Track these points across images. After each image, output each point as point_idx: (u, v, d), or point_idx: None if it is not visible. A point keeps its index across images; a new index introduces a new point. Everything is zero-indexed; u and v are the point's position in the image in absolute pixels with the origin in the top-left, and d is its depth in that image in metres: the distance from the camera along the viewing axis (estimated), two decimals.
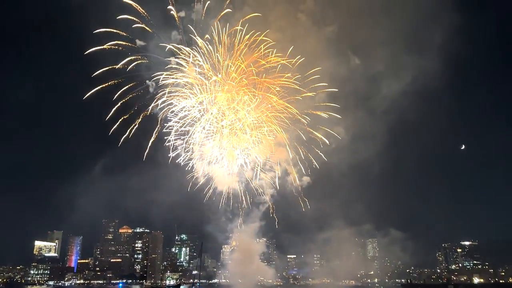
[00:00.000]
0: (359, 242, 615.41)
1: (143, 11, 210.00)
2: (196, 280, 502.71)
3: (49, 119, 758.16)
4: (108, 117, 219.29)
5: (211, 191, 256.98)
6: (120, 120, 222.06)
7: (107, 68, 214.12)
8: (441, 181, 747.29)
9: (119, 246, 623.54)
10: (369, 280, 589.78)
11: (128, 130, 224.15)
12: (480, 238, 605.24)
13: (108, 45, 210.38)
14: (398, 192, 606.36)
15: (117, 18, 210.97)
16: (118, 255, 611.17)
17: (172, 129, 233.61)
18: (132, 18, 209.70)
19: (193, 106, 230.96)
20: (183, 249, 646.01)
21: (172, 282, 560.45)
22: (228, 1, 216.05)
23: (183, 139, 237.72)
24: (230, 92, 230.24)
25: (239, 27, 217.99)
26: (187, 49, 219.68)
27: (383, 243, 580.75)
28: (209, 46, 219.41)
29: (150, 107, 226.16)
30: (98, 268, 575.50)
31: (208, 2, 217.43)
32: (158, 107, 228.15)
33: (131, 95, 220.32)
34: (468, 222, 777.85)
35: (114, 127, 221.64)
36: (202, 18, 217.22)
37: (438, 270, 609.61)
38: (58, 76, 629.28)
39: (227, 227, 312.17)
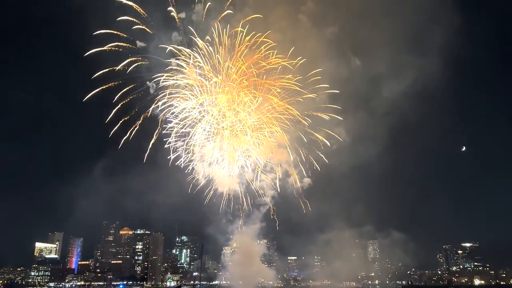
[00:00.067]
0: (360, 243, 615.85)
1: (144, 12, 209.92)
2: (196, 282, 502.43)
3: (49, 120, 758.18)
4: (108, 119, 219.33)
5: (211, 192, 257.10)
6: (121, 121, 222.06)
7: (108, 69, 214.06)
8: (442, 183, 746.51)
9: (119, 248, 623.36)
10: (369, 282, 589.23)
11: (129, 132, 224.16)
12: (481, 239, 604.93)
13: (108, 47, 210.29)
14: (399, 193, 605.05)
15: (117, 19, 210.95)
16: (119, 256, 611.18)
17: (172, 130, 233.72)
18: (132, 19, 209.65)
19: (194, 108, 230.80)
20: (184, 250, 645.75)
21: (173, 284, 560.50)
22: (228, 2, 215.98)
23: (184, 141, 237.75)
24: (231, 94, 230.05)
25: (239, 29, 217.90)
26: (188, 50, 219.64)
27: (383, 244, 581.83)
28: (210, 47, 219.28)
29: (151, 109, 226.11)
30: (98, 270, 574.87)
31: (209, 3, 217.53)
32: (159, 109, 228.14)
33: (131, 97, 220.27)
34: (469, 223, 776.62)
35: (115, 129, 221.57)
36: (203, 19, 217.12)
37: (439, 272, 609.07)
38: (59, 77, 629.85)
39: (228, 228, 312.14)
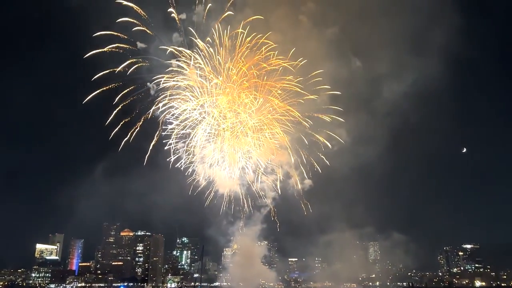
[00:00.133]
0: (361, 245, 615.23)
1: (144, 13, 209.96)
2: (197, 283, 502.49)
3: (50, 121, 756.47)
4: (109, 120, 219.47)
5: (212, 194, 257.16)
6: (121, 123, 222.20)
7: (108, 71, 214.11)
8: (442, 184, 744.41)
9: (120, 249, 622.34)
10: (370, 283, 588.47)
11: (129, 133, 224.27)
12: (482, 241, 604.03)
13: (108, 48, 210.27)
14: (400, 194, 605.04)
15: (118, 21, 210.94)
16: (120, 258, 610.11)
17: (172, 132, 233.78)
18: (132, 20, 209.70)
19: (194, 109, 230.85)
20: (185, 252, 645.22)
21: (174, 285, 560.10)
22: (229, 4, 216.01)
23: (184, 142, 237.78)
24: (231, 95, 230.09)
25: (240, 30, 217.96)
26: (188, 51, 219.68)
27: (384, 246, 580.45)
28: (210, 48, 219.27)
29: (151, 110, 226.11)
30: (99, 271, 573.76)
31: (210, 4, 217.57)
32: (159, 110, 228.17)
33: (131, 98, 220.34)
34: (470, 225, 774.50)
35: (115, 130, 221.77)
36: (203, 20, 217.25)
37: (440, 273, 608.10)
38: (59, 78, 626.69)
39: (228, 230, 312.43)
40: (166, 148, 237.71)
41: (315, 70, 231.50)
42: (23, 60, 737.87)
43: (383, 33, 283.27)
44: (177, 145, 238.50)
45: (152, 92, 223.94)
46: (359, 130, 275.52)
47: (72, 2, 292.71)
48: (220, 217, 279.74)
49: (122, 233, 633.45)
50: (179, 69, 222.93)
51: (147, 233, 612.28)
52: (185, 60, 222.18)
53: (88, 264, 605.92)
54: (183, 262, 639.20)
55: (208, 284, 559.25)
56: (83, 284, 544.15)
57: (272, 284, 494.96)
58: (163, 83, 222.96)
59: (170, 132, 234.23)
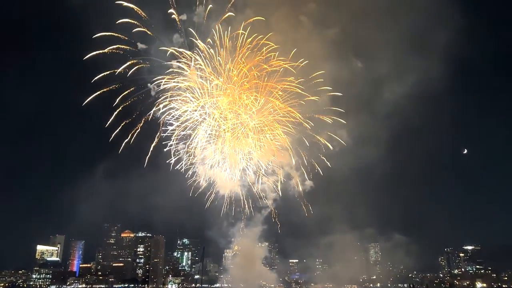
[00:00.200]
0: (362, 246, 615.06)
1: (144, 14, 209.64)
2: (198, 285, 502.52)
3: (50, 122, 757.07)
4: (109, 121, 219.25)
5: (213, 195, 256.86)
6: (122, 124, 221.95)
7: (108, 72, 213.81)
8: (444, 185, 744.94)
9: (121, 251, 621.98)
10: (371, 285, 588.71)
11: (130, 135, 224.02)
12: (482, 242, 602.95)
13: (109, 49, 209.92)
14: (401, 195, 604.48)
15: (117, 22, 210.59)
16: (120, 259, 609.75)
17: (173, 133, 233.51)
18: (133, 21, 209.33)
19: (195, 110, 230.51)
20: (185, 253, 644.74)
21: (174, 287, 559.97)
22: (230, 4, 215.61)
23: (185, 143, 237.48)
24: (232, 96, 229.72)
25: (241, 31, 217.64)
26: (189, 52, 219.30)
27: (385, 247, 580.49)
28: (211, 49, 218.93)
29: (152, 112, 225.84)
30: (100, 273, 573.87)
31: (210, 5, 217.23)
32: (160, 112, 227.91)
33: (132, 100, 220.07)
34: (471, 226, 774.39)
35: (116, 131, 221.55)
36: (204, 21, 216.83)
37: (441, 275, 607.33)
38: (60, 79, 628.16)
39: (229, 231, 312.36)
40: (166, 149, 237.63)
41: (316, 71, 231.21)
42: (23, 60, 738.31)
43: (384, 33, 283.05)
44: (177, 147, 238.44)
45: (152, 93, 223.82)
46: (360, 131, 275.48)
47: (72, 3, 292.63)
48: (221, 218, 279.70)
49: (122, 234, 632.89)
50: (179, 70, 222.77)
51: (148, 235, 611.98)
52: (186, 61, 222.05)
53: (88, 265, 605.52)
54: (184, 264, 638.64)
55: (209, 286, 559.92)
56: (83, 286, 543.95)
57: (272, 285, 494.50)
58: (163, 84, 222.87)
59: (171, 133, 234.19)
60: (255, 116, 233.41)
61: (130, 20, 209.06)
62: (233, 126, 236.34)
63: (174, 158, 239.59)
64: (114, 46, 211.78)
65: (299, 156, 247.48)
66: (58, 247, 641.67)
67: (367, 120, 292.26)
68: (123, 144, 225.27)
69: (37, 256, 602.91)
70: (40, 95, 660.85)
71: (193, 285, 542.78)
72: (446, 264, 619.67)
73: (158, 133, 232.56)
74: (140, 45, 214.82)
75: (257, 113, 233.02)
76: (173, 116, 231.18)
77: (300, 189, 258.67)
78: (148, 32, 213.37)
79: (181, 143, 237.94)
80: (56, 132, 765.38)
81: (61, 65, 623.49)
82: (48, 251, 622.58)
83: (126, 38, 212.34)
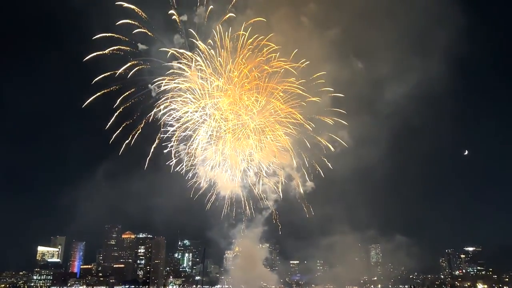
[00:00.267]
0: (362, 247, 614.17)
1: (145, 15, 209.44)
2: (199, 286, 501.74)
3: (51, 123, 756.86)
4: (110, 123, 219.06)
5: (214, 196, 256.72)
6: (123, 125, 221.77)
7: (109, 73, 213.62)
8: (445, 186, 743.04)
9: (122, 252, 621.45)
10: (372, 286, 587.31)
11: (130, 136, 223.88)
12: (483, 244, 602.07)
13: (109, 50, 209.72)
14: (402, 196, 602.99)
15: (118, 23, 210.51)
16: (121, 260, 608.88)
17: (173, 134, 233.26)
18: (133, 22, 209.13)
19: (196, 111, 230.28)
20: (186, 254, 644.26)
21: None
22: (230, 5, 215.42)
23: (186, 144, 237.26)
24: (233, 97, 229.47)
25: (241, 32, 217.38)
26: (189, 53, 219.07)
27: (386, 248, 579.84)
28: (211, 50, 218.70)
29: (152, 113, 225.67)
30: (101, 274, 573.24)
31: (211, 6, 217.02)
32: (160, 113, 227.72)
33: (132, 101, 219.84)
34: (472, 227, 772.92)
35: (116, 133, 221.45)
36: (205, 21, 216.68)
37: (442, 276, 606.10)
38: (60, 80, 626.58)
39: (230, 232, 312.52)
40: (167, 150, 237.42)
41: (316, 72, 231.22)
42: (23, 61, 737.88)
43: (385, 34, 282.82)
44: (178, 148, 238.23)
45: (153, 94, 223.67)
46: (361, 131, 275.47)
47: (73, 4, 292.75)
48: (222, 219, 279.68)
49: (123, 236, 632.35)
50: (180, 71, 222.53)
51: (149, 236, 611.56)
52: (186, 62, 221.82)
53: (89, 266, 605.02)
54: (184, 265, 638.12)
55: (210, 287, 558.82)
56: (84, 287, 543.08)
57: (273, 286, 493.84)
58: (164, 85, 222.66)
59: (171, 134, 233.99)
60: (256, 117, 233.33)
61: (130, 21, 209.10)
62: (234, 127, 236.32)
63: (174, 159, 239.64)
64: (115, 47, 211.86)
65: (300, 157, 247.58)
66: (59, 248, 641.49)
67: (368, 120, 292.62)
68: (123, 145, 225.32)
69: (38, 257, 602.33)
70: (40, 96, 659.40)
71: (194, 286, 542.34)
72: (447, 266, 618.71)
73: (159, 134, 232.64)
74: (141, 46, 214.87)
75: (258, 114, 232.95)
76: (173, 117, 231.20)
77: (301, 190, 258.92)
78: (149, 33, 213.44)
79: (181, 144, 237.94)
80: (57, 133, 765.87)
81: (61, 66, 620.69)
82: (49, 252, 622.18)
83: (127, 39, 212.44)
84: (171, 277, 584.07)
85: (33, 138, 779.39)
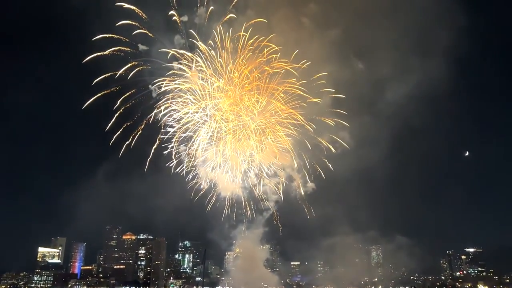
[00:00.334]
0: (363, 248, 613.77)
1: (145, 16, 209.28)
2: (199, 287, 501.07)
3: (52, 125, 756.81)
4: (110, 124, 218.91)
5: (214, 197, 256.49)
6: (123, 126, 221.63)
7: (109, 74, 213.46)
8: (446, 187, 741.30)
9: (122, 253, 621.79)
10: (373, 287, 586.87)
11: (131, 137, 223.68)
12: (484, 245, 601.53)
13: (109, 51, 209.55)
14: (403, 197, 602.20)
15: (118, 24, 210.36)
16: (122, 261, 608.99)
17: (174, 135, 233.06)
18: (134, 23, 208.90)
19: (196, 112, 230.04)
20: (187, 255, 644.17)
21: None
22: (231, 6, 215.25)
23: (186, 145, 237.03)
24: (234, 98, 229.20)
25: (242, 33, 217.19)
26: (190, 54, 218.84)
27: (387, 249, 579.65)
28: (212, 51, 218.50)
29: (153, 114, 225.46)
30: (101, 275, 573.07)
31: (211, 7, 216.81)
32: (161, 114, 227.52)
33: (133, 102, 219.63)
34: (473, 228, 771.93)
35: (117, 134, 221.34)
36: (205, 22, 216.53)
37: (443, 277, 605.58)
38: (60, 81, 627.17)
39: (231, 233, 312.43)
40: (167, 151, 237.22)
41: (317, 73, 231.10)
42: (24, 62, 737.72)
43: (385, 34, 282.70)
44: (178, 149, 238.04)
45: (153, 95, 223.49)
46: (362, 132, 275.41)
47: (73, 4, 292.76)
48: (222, 220, 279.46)
49: (124, 237, 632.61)
50: (180, 72, 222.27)
51: (149, 237, 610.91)
52: (187, 63, 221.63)
53: (90, 267, 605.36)
54: (185, 266, 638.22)
55: None
56: None
57: (274, 287, 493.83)
58: (164, 86, 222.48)
59: (172, 135, 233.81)
60: (256, 118, 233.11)
61: (131, 22, 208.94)
62: (235, 128, 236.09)
63: (175, 160, 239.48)
64: (115, 48, 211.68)
65: (301, 158, 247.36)
66: (60, 249, 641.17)
67: (369, 121, 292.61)
68: (124, 146, 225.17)
69: (38, 258, 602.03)
70: (41, 97, 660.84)
71: (195, 287, 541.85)
72: (447, 267, 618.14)
73: (159, 136, 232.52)
74: (141, 47, 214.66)
75: (258, 115, 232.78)
76: (174, 118, 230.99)
77: (302, 191, 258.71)
78: (149, 34, 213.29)
79: (182, 145, 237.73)
80: (57, 134, 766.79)
81: (62, 67, 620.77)
82: (49, 253, 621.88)
83: (127, 40, 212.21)
84: (171, 278, 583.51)
85: (34, 139, 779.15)
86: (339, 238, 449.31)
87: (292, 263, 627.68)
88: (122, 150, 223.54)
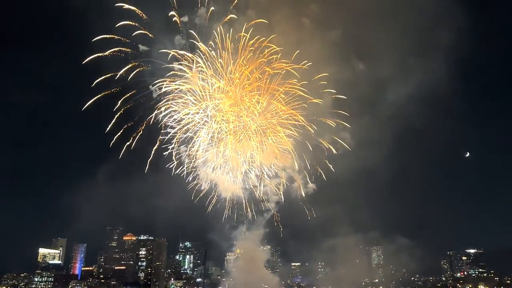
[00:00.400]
0: (364, 249, 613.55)
1: (146, 16, 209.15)
2: None
3: (52, 126, 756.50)
4: (110, 125, 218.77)
5: (215, 198, 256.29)
6: (124, 127, 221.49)
7: (109, 75, 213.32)
8: (447, 188, 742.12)
9: (123, 254, 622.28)
10: None
11: (132, 138, 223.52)
12: (485, 246, 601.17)
13: (109, 52, 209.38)
14: (404, 198, 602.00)
15: (118, 25, 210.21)
16: (122, 262, 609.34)
17: (174, 136, 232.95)
18: (134, 23, 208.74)
19: (197, 113, 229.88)
20: (187, 256, 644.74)
21: None
22: (232, 6, 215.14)
23: (186, 146, 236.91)
24: (234, 98, 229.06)
25: (242, 33, 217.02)
26: (190, 55, 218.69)
27: (388, 250, 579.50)
28: (212, 51, 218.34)
29: (153, 115, 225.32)
30: (102, 276, 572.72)
31: (212, 8, 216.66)
32: (161, 115, 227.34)
33: (132, 103, 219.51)
34: (474, 229, 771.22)
35: (117, 135, 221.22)
36: (206, 23, 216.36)
37: (443, 278, 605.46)
38: (60, 82, 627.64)
39: (231, 234, 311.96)
40: (168, 152, 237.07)
41: (318, 73, 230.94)
42: (23, 63, 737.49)
43: (387, 35, 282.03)
44: (179, 150, 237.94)
45: (154, 95, 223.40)
46: (363, 133, 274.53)
47: (72, 5, 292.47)
48: (223, 221, 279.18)
49: (124, 238, 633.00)
50: (181, 73, 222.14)
51: (150, 238, 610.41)
52: (187, 64, 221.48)
53: (90, 268, 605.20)
54: (186, 267, 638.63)
55: None
56: None
57: None
58: (165, 87, 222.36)
59: (172, 136, 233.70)
60: (257, 119, 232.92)
61: (131, 22, 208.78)
62: (235, 128, 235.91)
63: (175, 161, 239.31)
64: (115, 49, 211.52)
65: (302, 159, 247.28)
66: (60, 250, 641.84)
67: (370, 122, 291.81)
68: (124, 147, 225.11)
69: (39, 259, 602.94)
70: (41, 98, 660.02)
71: None
72: (448, 268, 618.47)
73: (160, 136, 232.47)
74: (142, 47, 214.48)
75: (259, 116, 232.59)
76: (174, 119, 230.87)
77: (303, 192, 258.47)
78: (149, 34, 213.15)
79: (182, 146, 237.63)
80: (58, 136, 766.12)
81: (61, 68, 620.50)
82: (50, 254, 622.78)
83: (127, 40, 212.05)
84: (172, 279, 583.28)
85: (34, 141, 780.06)
86: (340, 239, 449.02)
87: (292, 264, 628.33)
88: (123, 151, 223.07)
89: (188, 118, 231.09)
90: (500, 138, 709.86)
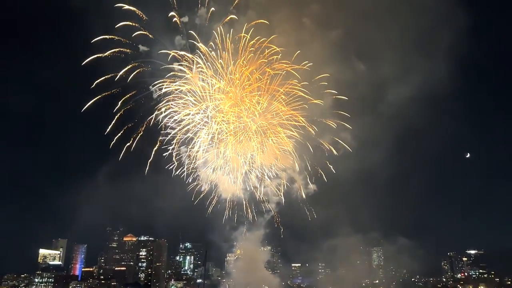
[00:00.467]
0: (364, 250, 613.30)
1: (145, 17, 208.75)
2: None
3: (52, 126, 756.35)
4: (110, 126, 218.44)
5: (215, 199, 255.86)
6: (124, 128, 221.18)
7: (109, 75, 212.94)
8: (448, 189, 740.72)
9: (123, 255, 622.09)
10: None
11: (132, 139, 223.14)
12: (486, 246, 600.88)
13: (109, 53, 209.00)
14: (404, 199, 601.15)
15: (118, 25, 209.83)
16: (123, 263, 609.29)
17: (174, 137, 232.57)
18: (134, 24, 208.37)
19: (197, 113, 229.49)
20: (188, 257, 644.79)
21: None
22: (232, 7, 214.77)
23: (187, 147, 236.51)
24: (234, 99, 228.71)
25: (243, 34, 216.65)
26: (190, 55, 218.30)
27: (388, 251, 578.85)
28: (213, 52, 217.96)
29: (153, 116, 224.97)
30: (102, 277, 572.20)
31: (212, 8, 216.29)
32: (162, 115, 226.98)
33: (133, 103, 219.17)
34: (474, 230, 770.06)
35: (117, 136, 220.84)
36: (206, 23, 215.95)
37: (444, 279, 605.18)
38: (60, 83, 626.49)
39: (232, 235, 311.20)
40: (168, 153, 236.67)
41: (319, 74, 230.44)
42: (23, 64, 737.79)
43: (388, 35, 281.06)
44: (179, 151, 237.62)
45: (154, 95, 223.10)
46: (364, 133, 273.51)
47: (72, 5, 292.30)
48: (223, 222, 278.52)
49: (125, 238, 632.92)
50: (181, 73, 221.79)
51: (150, 238, 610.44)
52: (187, 64, 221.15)
53: (91, 269, 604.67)
54: (186, 268, 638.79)
55: None
56: None
57: None
58: (165, 88, 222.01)
59: (172, 137, 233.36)
60: (257, 120, 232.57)
61: (131, 23, 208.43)
62: (236, 129, 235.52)
63: (176, 162, 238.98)
64: (115, 49, 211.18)
65: (302, 160, 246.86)
66: (61, 251, 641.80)
67: (371, 122, 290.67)
68: (124, 148, 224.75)
69: (39, 260, 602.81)
70: (40, 99, 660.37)
71: None
72: (449, 268, 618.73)
73: (160, 137, 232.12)
74: (142, 48, 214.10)
75: (259, 117, 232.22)
76: (175, 120, 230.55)
77: (303, 193, 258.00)
78: (149, 35, 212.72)
79: (183, 147, 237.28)
80: (57, 137, 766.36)
81: (61, 69, 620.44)
82: (50, 255, 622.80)
83: (127, 41, 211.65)
84: (172, 280, 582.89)
85: (34, 142, 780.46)
86: (340, 240, 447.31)
87: (293, 265, 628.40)
88: (123, 152, 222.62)
89: (188, 119, 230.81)
90: (501, 138, 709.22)
